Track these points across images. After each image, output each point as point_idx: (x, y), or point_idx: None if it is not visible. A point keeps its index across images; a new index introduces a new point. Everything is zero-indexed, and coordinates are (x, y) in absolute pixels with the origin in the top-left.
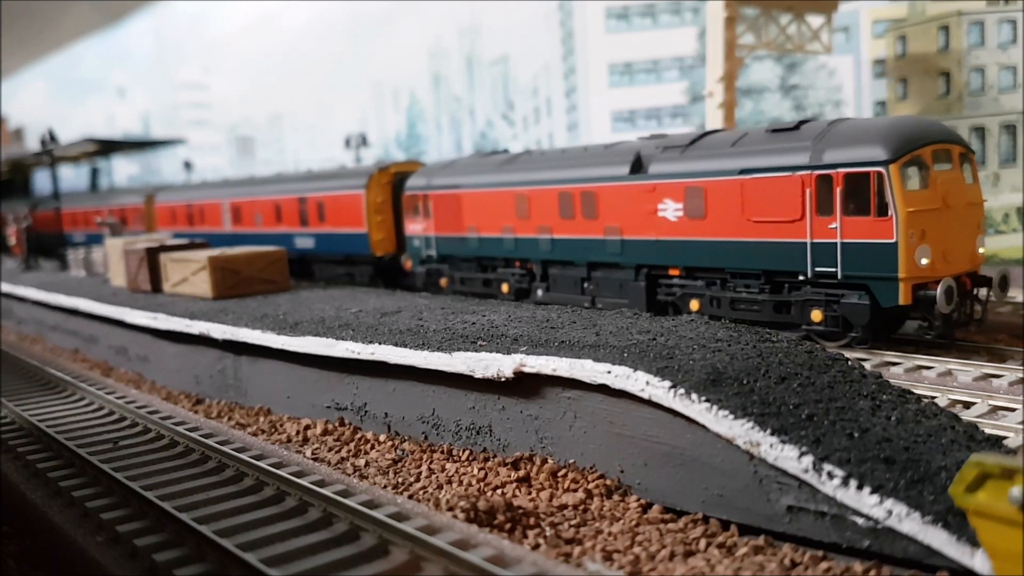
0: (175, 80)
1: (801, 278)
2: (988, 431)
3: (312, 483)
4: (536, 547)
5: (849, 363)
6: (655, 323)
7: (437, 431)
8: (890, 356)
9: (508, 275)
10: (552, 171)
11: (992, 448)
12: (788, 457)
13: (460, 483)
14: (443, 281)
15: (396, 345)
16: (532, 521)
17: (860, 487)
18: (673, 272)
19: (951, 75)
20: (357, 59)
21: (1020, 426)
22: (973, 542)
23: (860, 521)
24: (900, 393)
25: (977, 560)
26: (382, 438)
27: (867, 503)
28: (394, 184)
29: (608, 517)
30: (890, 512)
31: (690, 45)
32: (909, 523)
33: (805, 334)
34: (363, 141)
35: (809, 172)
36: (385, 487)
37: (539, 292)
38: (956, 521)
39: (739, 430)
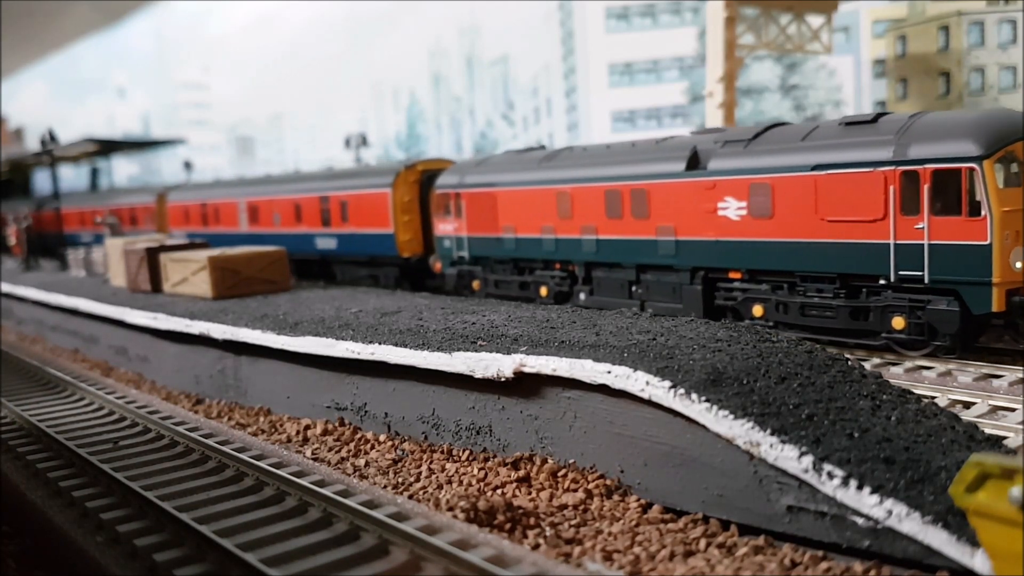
0: (175, 80)
1: (882, 282)
2: (988, 431)
3: (312, 483)
4: (536, 547)
5: (849, 363)
6: (655, 323)
7: (437, 431)
8: (890, 356)
9: (547, 278)
10: (598, 168)
11: (992, 448)
12: (788, 457)
13: (460, 483)
14: (475, 284)
15: (396, 345)
16: (532, 521)
17: (860, 487)
18: (734, 275)
19: (951, 75)
20: (357, 59)
21: (1020, 426)
22: (973, 542)
23: (860, 521)
24: (900, 393)
25: (977, 560)
26: (382, 438)
27: (867, 503)
28: (421, 182)
29: (608, 517)
30: (890, 512)
31: (690, 45)
32: (909, 523)
33: (884, 343)
34: (363, 141)
35: (893, 168)
36: (385, 487)
37: (581, 296)
38: (956, 521)
39: (739, 430)
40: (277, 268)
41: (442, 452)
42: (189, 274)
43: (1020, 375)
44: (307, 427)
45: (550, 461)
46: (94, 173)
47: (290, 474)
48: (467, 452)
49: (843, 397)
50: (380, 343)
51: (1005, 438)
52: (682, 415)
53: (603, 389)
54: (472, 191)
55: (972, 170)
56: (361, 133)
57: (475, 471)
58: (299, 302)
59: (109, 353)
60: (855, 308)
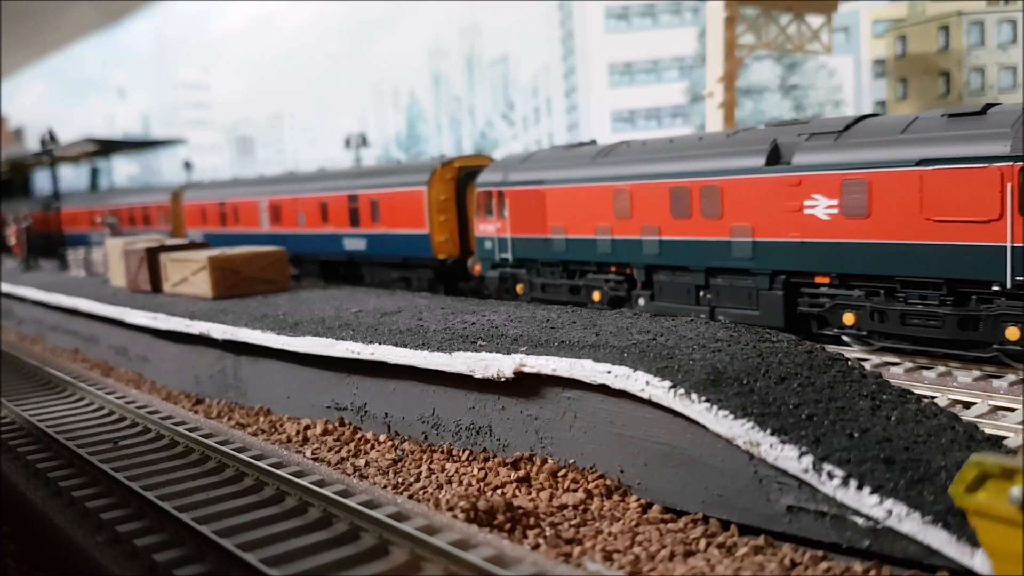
0: (175, 80)
1: (995, 289)
2: (988, 431)
3: (312, 483)
4: (536, 547)
5: (849, 363)
6: (655, 323)
7: (437, 431)
8: (890, 356)
9: (601, 281)
10: (661, 163)
11: (992, 448)
12: (788, 457)
13: (460, 483)
14: (519, 287)
15: (396, 345)
16: (532, 521)
17: (860, 487)
18: (821, 280)
19: (951, 75)
20: (357, 59)
21: (1020, 426)
22: (973, 542)
23: (860, 521)
24: (900, 393)
25: (977, 560)
26: (382, 438)
27: (867, 503)
28: (458, 180)
29: (608, 517)
30: (890, 512)
31: (690, 45)
32: (909, 523)
33: (995, 355)
34: (363, 141)
35: (1010, 164)
36: (385, 487)
37: (640, 301)
38: (956, 521)
39: (739, 430)
40: (277, 268)
41: (442, 452)
42: (189, 274)
43: (1020, 375)
44: (307, 427)
45: (550, 461)
46: (94, 173)
47: (290, 474)
48: (467, 452)
49: (843, 397)
50: (380, 343)
51: (1005, 438)
52: (682, 415)
53: (603, 389)
54: (517, 189)
55: None
56: (361, 133)
57: (475, 471)
58: (299, 302)
59: (109, 353)
60: (964, 317)
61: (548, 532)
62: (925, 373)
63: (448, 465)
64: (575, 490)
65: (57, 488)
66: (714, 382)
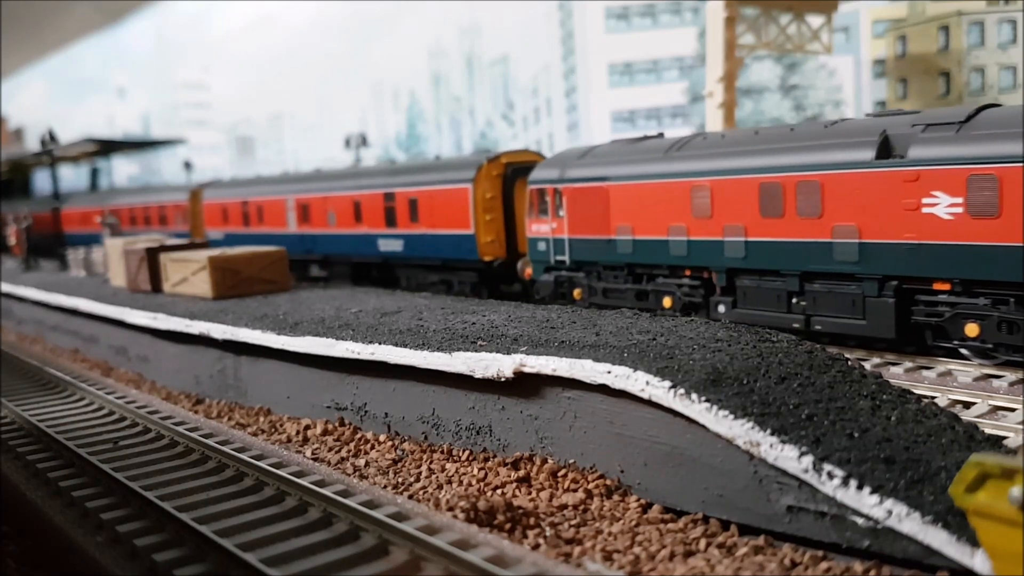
0: (175, 80)
1: None
2: (988, 431)
3: (312, 483)
4: (536, 547)
5: (849, 363)
6: (655, 323)
7: (437, 431)
8: (890, 356)
9: (673, 286)
10: (748, 157)
11: (992, 448)
12: (788, 457)
13: (460, 483)
14: (577, 292)
15: (396, 345)
16: (532, 521)
17: (860, 487)
18: (940, 286)
19: (951, 75)
20: (357, 59)
21: (1020, 426)
22: (973, 542)
23: (860, 521)
24: (900, 393)
25: (977, 560)
26: (382, 438)
27: (867, 503)
28: (505, 177)
29: (608, 517)
30: (890, 512)
31: (690, 45)
32: (909, 523)
33: None
34: (363, 141)
35: None
36: (385, 487)
37: (720, 308)
38: (956, 521)
39: (739, 430)
40: (277, 268)
41: (442, 452)
42: (189, 274)
43: (1020, 375)
44: (307, 427)
45: (550, 461)
46: (94, 173)
47: (290, 474)
48: (467, 452)
49: (843, 397)
50: (380, 343)
51: (1005, 438)
52: (682, 415)
53: (603, 389)
54: (576, 186)
55: None
56: (361, 133)
57: (475, 471)
58: (299, 302)
59: (109, 353)
60: None
61: (548, 532)
62: (925, 373)
63: (448, 465)
64: (575, 490)
65: (57, 488)
66: (714, 382)
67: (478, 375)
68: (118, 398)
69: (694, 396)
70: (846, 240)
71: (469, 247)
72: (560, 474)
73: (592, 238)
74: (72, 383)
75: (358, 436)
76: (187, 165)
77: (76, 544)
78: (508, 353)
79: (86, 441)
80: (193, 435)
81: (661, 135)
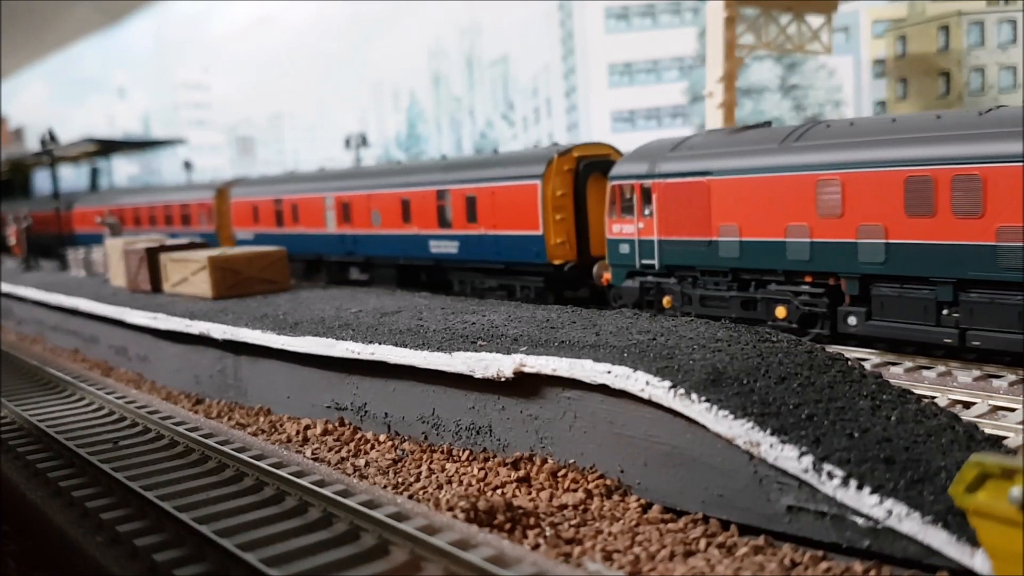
0: (175, 80)
1: None
2: (988, 431)
3: (312, 483)
4: (536, 547)
5: (849, 363)
6: (655, 323)
7: (437, 431)
8: (890, 356)
9: (789, 294)
10: (887, 148)
11: (992, 448)
12: (788, 457)
13: (460, 483)
14: (667, 300)
15: (396, 345)
16: (532, 521)
17: (860, 487)
18: None
19: (951, 75)
20: (357, 59)
21: (1020, 426)
22: (973, 542)
23: (860, 521)
24: (900, 393)
25: (977, 560)
26: (382, 438)
27: (867, 503)
28: (577, 172)
29: (608, 517)
30: (890, 512)
31: (690, 45)
32: (909, 523)
33: None
34: (363, 141)
35: None
36: (385, 487)
37: (851, 320)
38: (956, 521)
39: (739, 430)
40: (277, 268)
41: (442, 452)
42: (189, 274)
43: (1020, 375)
44: (307, 427)
45: (550, 461)
46: (94, 173)
47: (290, 474)
48: (467, 452)
49: (843, 397)
50: (380, 343)
51: (1005, 438)
52: (682, 415)
53: (603, 389)
54: (669, 182)
55: None
56: (361, 133)
57: (475, 471)
58: (299, 302)
59: (109, 353)
60: None
61: (548, 532)
62: (925, 373)
63: (448, 465)
64: (575, 490)
65: (57, 488)
66: (714, 382)
67: (478, 375)
68: (118, 398)
69: (694, 396)
70: (1014, 244)
71: (536, 249)
72: (560, 474)
73: (688, 239)
74: (72, 383)
75: (358, 436)
76: (187, 165)
77: (76, 544)
78: (508, 353)
79: (86, 441)
80: (193, 435)
81: (768, 124)
